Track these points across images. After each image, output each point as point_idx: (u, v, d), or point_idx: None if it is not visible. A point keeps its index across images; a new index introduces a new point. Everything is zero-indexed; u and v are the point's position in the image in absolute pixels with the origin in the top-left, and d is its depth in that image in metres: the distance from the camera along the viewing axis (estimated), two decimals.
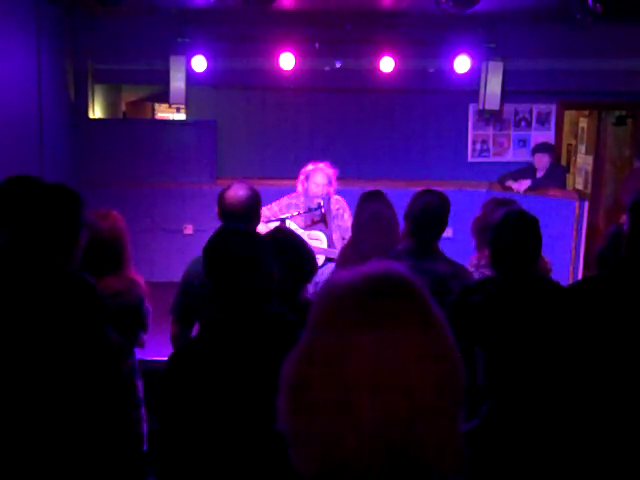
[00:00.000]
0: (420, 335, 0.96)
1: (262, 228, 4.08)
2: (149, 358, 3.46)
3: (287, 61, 6.48)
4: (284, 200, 4.86)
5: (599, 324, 2.24)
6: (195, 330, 3.03)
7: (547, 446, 2.25)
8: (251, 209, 3.11)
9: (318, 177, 4.72)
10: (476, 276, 3.41)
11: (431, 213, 3.18)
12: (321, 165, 4.79)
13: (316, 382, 0.96)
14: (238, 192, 3.11)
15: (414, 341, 0.96)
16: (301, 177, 4.82)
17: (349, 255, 3.74)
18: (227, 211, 3.09)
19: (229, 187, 3.18)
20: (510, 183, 6.59)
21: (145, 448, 3.10)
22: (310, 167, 4.80)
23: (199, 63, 6.44)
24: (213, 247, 1.98)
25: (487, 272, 3.43)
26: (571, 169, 8.95)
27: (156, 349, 3.47)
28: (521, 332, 2.47)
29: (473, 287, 2.79)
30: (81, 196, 2.33)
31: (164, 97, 7.04)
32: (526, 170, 6.70)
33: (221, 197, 3.14)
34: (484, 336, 2.56)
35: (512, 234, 2.69)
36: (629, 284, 2.27)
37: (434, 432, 0.94)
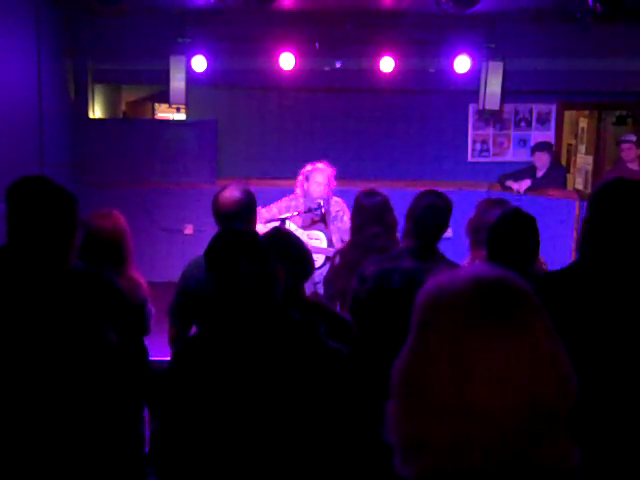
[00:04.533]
0: (540, 337, 0.98)
1: (261, 229, 4.08)
2: (149, 358, 3.45)
3: (287, 61, 6.48)
4: (283, 202, 4.84)
5: (565, 318, 2.22)
6: (192, 332, 3.02)
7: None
8: (245, 210, 3.09)
9: (318, 177, 4.71)
10: None
11: (433, 214, 3.18)
12: (320, 165, 4.77)
13: (440, 393, 0.95)
14: (232, 193, 3.10)
15: (536, 343, 0.97)
16: (300, 178, 4.80)
17: (350, 247, 3.73)
18: (221, 212, 3.08)
19: (223, 189, 3.17)
20: (510, 183, 6.59)
21: (146, 449, 3.10)
22: (309, 168, 4.79)
23: (199, 63, 6.44)
24: (215, 250, 1.98)
25: None
26: (571, 169, 8.95)
27: (157, 349, 3.46)
28: None
29: None
30: (75, 196, 2.32)
31: (164, 97, 7.04)
32: (526, 170, 6.70)
33: (215, 199, 3.12)
34: None
35: (510, 233, 2.68)
36: (589, 275, 2.24)
37: (555, 434, 0.96)
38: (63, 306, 2.20)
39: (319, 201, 4.62)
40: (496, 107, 6.72)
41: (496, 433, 0.93)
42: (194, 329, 3.04)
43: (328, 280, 3.84)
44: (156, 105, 10.29)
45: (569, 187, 7.56)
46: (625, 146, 6.39)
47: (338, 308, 3.62)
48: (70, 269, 2.31)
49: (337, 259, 3.80)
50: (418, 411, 0.97)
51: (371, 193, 3.71)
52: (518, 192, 6.41)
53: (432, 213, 3.16)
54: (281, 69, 6.54)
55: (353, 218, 3.75)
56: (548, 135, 7.13)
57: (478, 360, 0.94)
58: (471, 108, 7.11)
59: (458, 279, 1.02)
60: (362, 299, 3.15)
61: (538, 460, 0.94)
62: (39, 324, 2.15)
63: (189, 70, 6.44)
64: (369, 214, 3.63)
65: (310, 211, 4.67)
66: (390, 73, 6.61)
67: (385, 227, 3.62)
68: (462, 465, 0.93)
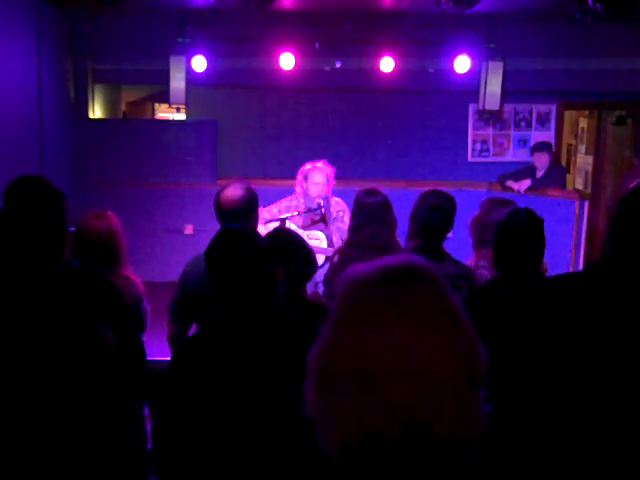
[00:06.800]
0: (440, 319, 1.03)
1: (262, 229, 4.08)
2: (149, 358, 3.45)
3: (287, 61, 6.49)
4: (283, 202, 4.83)
5: (586, 320, 2.23)
6: (192, 330, 3.02)
7: (548, 451, 2.24)
8: (247, 208, 3.09)
9: (317, 176, 4.69)
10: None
11: (438, 214, 3.19)
12: (319, 164, 4.75)
13: (344, 368, 1.02)
14: (235, 192, 3.10)
15: (434, 325, 1.02)
16: (299, 177, 4.78)
17: (348, 245, 3.73)
18: (223, 210, 3.09)
19: (225, 187, 3.17)
20: (510, 183, 6.60)
21: (149, 447, 3.10)
22: (308, 167, 4.76)
23: (199, 63, 6.45)
24: (215, 250, 1.99)
25: (485, 272, 3.43)
26: (571, 169, 8.94)
27: (157, 349, 3.46)
28: (526, 332, 2.46)
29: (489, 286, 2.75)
30: (65, 194, 2.32)
31: (164, 97, 7.05)
32: (526, 170, 6.70)
33: (217, 197, 3.13)
34: (492, 335, 2.54)
35: (519, 233, 2.67)
36: (618, 277, 2.24)
37: (454, 411, 1.00)
38: (61, 306, 2.20)
39: (319, 201, 4.62)
40: (496, 107, 6.71)
41: (399, 402, 0.99)
42: (193, 328, 3.04)
43: (328, 279, 3.85)
44: (156, 105, 10.30)
45: (569, 187, 7.56)
46: None
47: None
48: (68, 269, 2.31)
49: (336, 258, 3.80)
50: (327, 387, 1.04)
51: (371, 192, 3.71)
52: (518, 192, 6.41)
53: (436, 213, 3.18)
54: (281, 69, 6.54)
55: (353, 217, 3.75)
56: (548, 135, 7.13)
57: (377, 336, 1.01)
58: (471, 108, 7.11)
59: (365, 265, 1.09)
60: None
61: (440, 427, 0.99)
62: (37, 324, 2.16)
63: (189, 70, 6.44)
64: (369, 213, 3.63)
65: (310, 211, 4.66)
66: (390, 73, 6.61)
67: (385, 226, 3.63)
68: (369, 433, 0.99)
